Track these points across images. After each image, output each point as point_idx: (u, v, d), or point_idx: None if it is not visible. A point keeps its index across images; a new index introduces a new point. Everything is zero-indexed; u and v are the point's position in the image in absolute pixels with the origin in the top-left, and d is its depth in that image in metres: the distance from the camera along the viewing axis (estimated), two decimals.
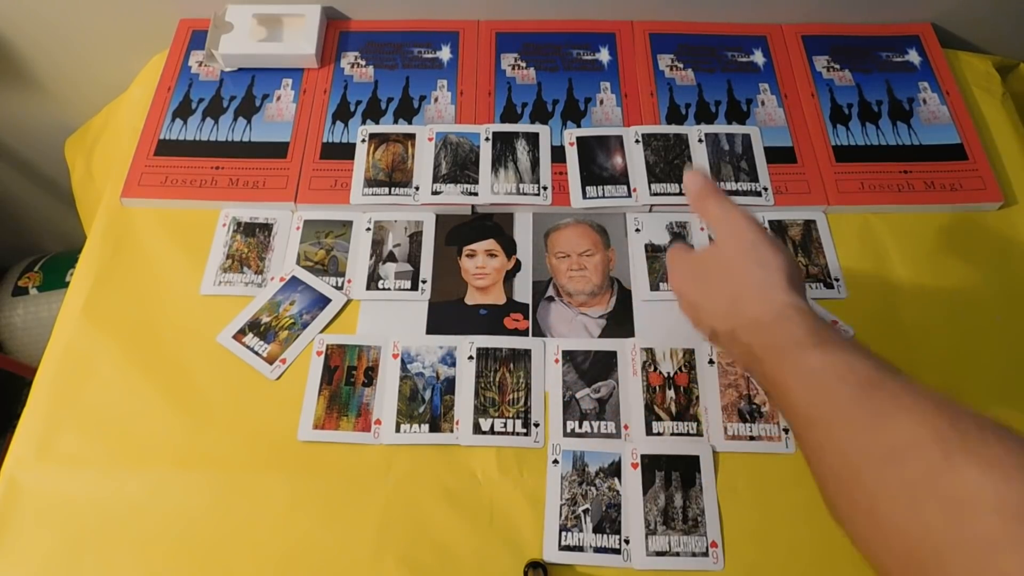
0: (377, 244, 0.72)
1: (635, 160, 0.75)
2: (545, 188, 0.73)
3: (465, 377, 0.65)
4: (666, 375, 0.65)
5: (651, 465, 0.61)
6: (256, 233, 0.72)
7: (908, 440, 0.33)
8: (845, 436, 0.37)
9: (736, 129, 0.77)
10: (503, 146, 0.76)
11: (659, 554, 0.57)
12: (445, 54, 0.83)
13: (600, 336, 0.67)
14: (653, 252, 0.71)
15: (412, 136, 0.77)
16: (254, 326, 0.67)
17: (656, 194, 0.73)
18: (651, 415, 0.63)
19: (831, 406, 0.38)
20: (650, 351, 0.66)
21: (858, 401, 0.37)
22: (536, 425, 0.63)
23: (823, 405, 0.39)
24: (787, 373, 0.41)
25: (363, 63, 0.82)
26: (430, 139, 0.76)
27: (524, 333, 0.67)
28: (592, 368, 0.65)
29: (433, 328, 0.68)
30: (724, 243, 0.48)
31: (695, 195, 0.51)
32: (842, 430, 0.37)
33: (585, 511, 0.59)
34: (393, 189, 0.73)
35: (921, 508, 0.31)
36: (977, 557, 0.28)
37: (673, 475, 0.60)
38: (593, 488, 0.60)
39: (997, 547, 0.28)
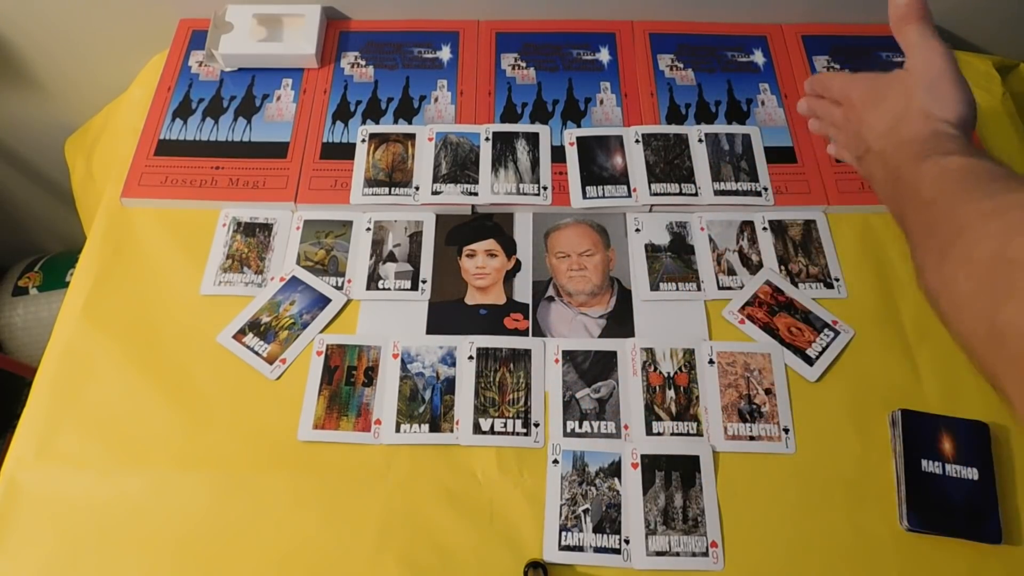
0: (377, 244, 0.72)
1: (635, 160, 0.75)
2: (545, 188, 0.73)
3: (465, 377, 0.65)
4: (666, 375, 0.65)
5: (651, 465, 0.61)
6: (256, 233, 0.72)
7: (1015, 201, 0.36)
8: (960, 204, 0.38)
9: (736, 129, 0.77)
10: (503, 146, 0.76)
11: (659, 554, 0.57)
12: (445, 54, 0.83)
13: (600, 336, 0.67)
14: (653, 252, 0.71)
15: (412, 136, 0.77)
16: (254, 326, 0.67)
17: (656, 194, 0.73)
18: (651, 415, 0.63)
19: (956, 188, 0.40)
20: (650, 351, 0.66)
21: (983, 183, 0.39)
22: (536, 425, 0.63)
23: (949, 190, 0.40)
24: (923, 172, 0.43)
25: (363, 63, 0.82)
26: (430, 139, 0.76)
27: (524, 333, 0.67)
28: (592, 368, 0.65)
29: (433, 328, 0.68)
30: (913, 68, 0.49)
31: (900, 14, 0.50)
32: (960, 202, 0.39)
33: (585, 511, 0.59)
34: (393, 189, 0.73)
35: (1012, 237, 0.33)
36: None
37: (673, 475, 0.60)
38: (593, 488, 0.60)
39: None
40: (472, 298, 0.69)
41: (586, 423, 0.63)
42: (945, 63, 0.48)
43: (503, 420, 0.63)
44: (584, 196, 0.73)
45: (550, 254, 0.72)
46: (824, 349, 0.66)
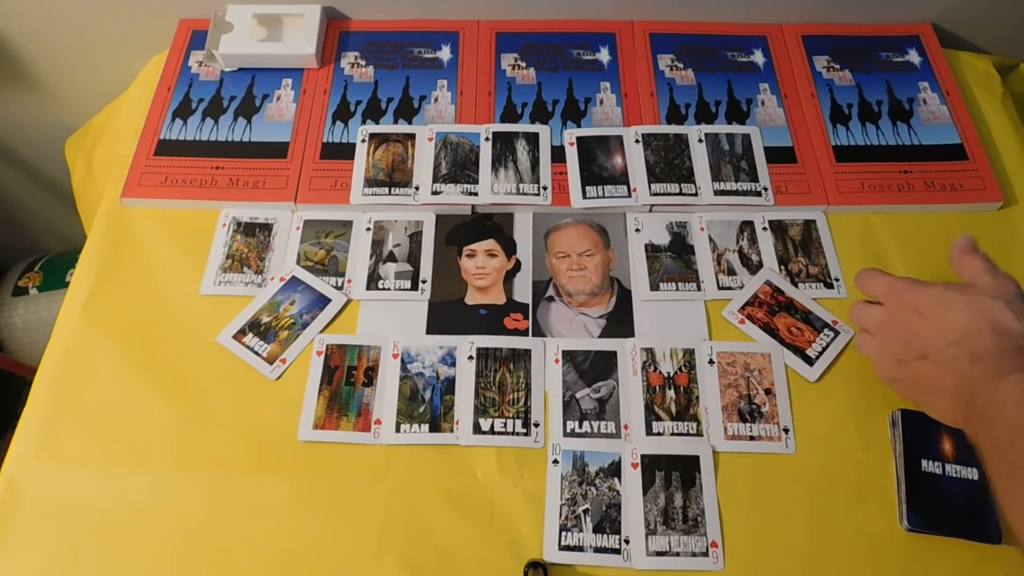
0: (377, 244, 0.72)
1: (635, 160, 0.75)
2: (545, 188, 0.73)
3: (465, 377, 0.65)
4: (666, 375, 0.65)
5: (651, 465, 0.61)
6: (256, 233, 0.72)
7: None
8: None
9: (736, 129, 0.77)
10: (503, 146, 0.76)
11: (659, 554, 0.57)
12: (445, 54, 0.83)
13: (600, 336, 0.67)
14: (653, 252, 0.71)
15: (412, 136, 0.77)
16: (254, 326, 0.67)
17: (656, 194, 0.73)
18: (651, 415, 0.63)
19: None
20: (650, 351, 0.66)
21: None
22: (536, 425, 0.63)
23: None
24: (1004, 390, 0.44)
25: (363, 63, 0.82)
26: (430, 139, 0.76)
27: (524, 333, 0.67)
28: (592, 368, 0.65)
29: (433, 328, 0.68)
30: (987, 287, 0.52)
31: (962, 245, 0.55)
32: None
33: (585, 511, 0.59)
34: (393, 189, 0.73)
35: None
36: None
37: (673, 475, 0.60)
38: (593, 488, 0.60)
39: None
40: (472, 298, 0.69)
41: (586, 423, 0.63)
42: (1018, 286, 0.51)
43: (503, 420, 0.63)
44: (584, 196, 0.73)
45: (550, 254, 0.72)
46: (824, 349, 0.66)
